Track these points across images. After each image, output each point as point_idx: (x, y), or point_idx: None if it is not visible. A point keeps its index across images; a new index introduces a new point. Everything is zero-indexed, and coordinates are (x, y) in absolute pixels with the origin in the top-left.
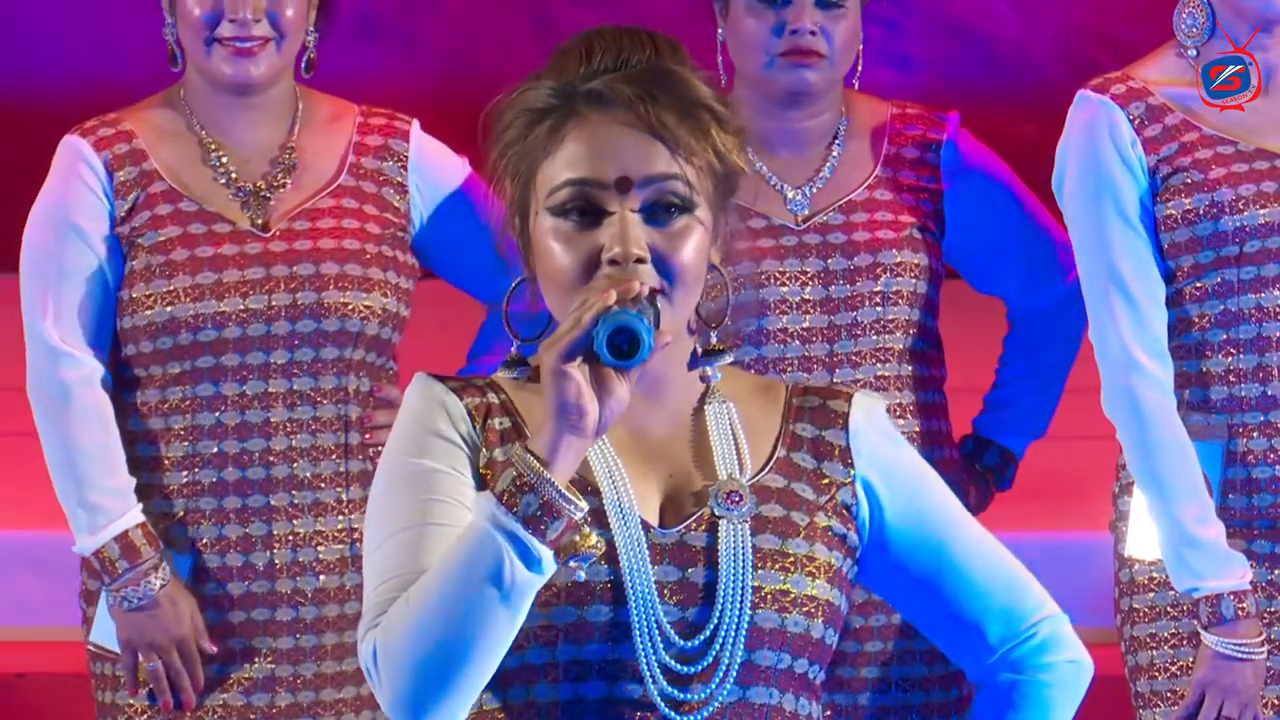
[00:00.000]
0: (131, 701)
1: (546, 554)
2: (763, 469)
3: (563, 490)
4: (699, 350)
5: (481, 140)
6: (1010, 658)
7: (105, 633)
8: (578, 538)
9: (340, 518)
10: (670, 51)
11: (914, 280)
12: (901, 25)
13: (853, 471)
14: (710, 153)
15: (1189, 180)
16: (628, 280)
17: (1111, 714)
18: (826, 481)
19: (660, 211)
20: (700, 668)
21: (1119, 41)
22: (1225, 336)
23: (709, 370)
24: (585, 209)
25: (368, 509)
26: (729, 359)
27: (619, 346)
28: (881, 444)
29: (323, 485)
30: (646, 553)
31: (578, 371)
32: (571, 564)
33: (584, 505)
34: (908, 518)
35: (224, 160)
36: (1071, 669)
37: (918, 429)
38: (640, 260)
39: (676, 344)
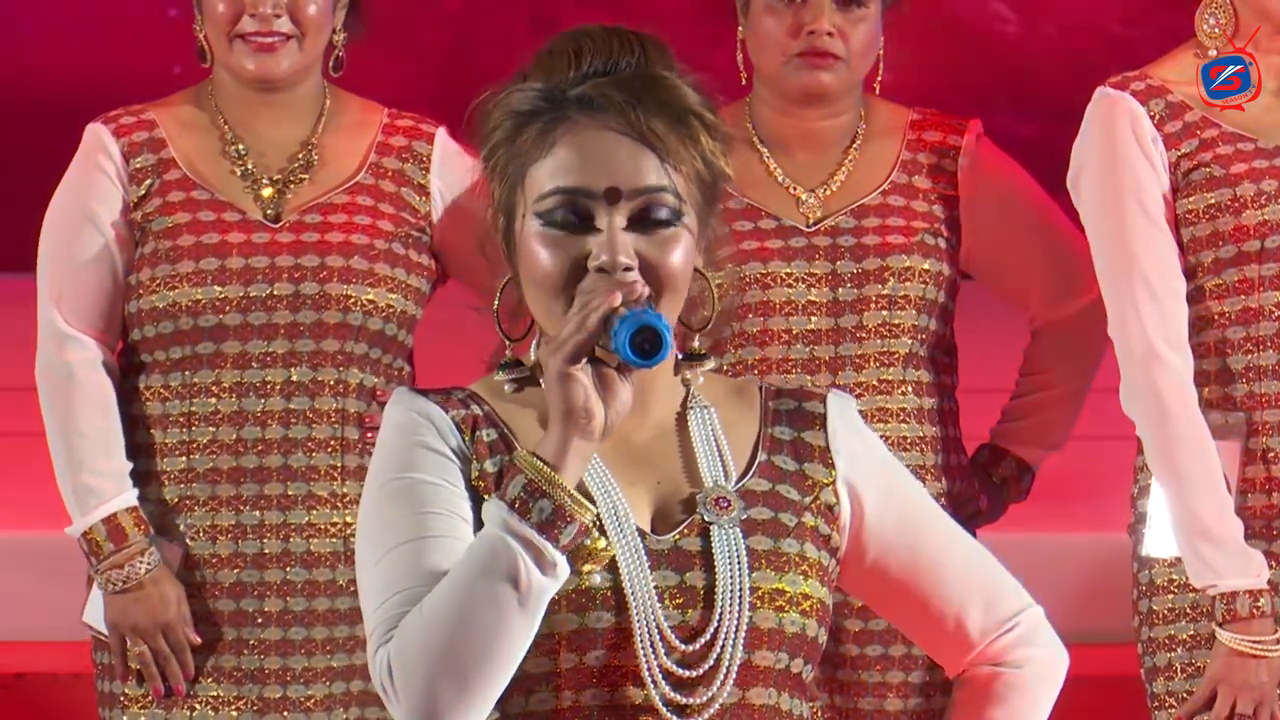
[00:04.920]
0: (127, 690)
1: (561, 559)
2: (746, 474)
3: (573, 494)
4: (679, 356)
5: (467, 137)
6: (990, 651)
7: (96, 614)
8: (588, 542)
9: (334, 512)
10: (658, 55)
11: (923, 285)
12: (901, 26)
13: (834, 473)
14: (698, 160)
15: (1211, 175)
16: (630, 283)
17: (1124, 715)
18: (810, 482)
19: (648, 220)
20: (701, 671)
21: (1119, 41)
22: (1245, 333)
23: (690, 375)
24: (574, 216)
25: (359, 527)
26: (711, 364)
27: (642, 346)
28: (858, 444)
29: (317, 478)
30: (645, 559)
31: (583, 374)
32: (585, 568)
33: (593, 509)
34: (885, 517)
35: (243, 153)
36: (1050, 660)
37: (923, 434)
38: (627, 269)
39: None
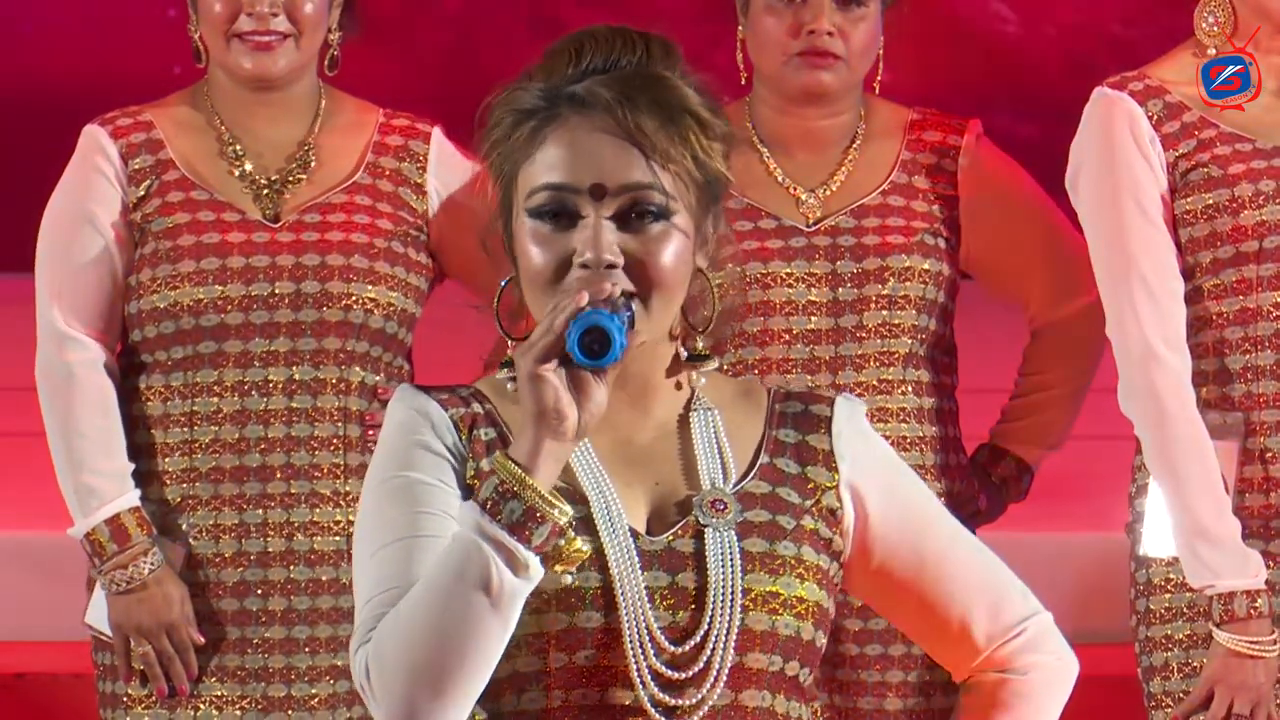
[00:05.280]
0: (130, 691)
1: (533, 560)
2: (746, 475)
3: (545, 495)
4: (682, 356)
5: (475, 136)
6: (997, 656)
7: (99, 615)
8: (563, 542)
9: (337, 510)
10: (662, 54)
11: (923, 285)
12: (901, 26)
13: (837, 476)
14: (689, 159)
15: (1208, 176)
16: (599, 282)
17: (1124, 715)
18: (812, 486)
19: (635, 218)
20: (691, 673)
21: (1119, 41)
22: (1243, 334)
23: (693, 376)
24: (560, 212)
25: (355, 524)
26: (714, 365)
27: (590, 346)
28: (864, 448)
29: (319, 476)
30: (636, 559)
31: (554, 375)
32: (558, 569)
33: (568, 510)
34: (890, 521)
35: (240, 154)
36: (1058, 667)
37: (923, 434)
38: (612, 265)
39: (662, 351)
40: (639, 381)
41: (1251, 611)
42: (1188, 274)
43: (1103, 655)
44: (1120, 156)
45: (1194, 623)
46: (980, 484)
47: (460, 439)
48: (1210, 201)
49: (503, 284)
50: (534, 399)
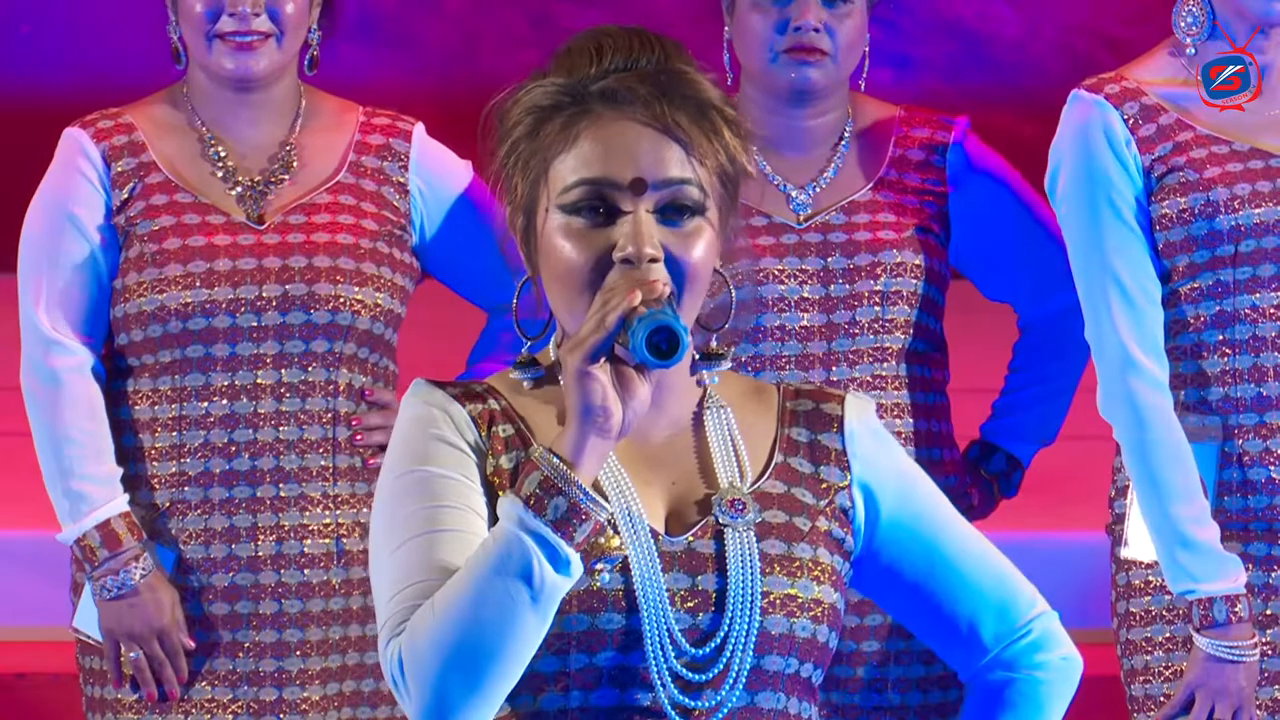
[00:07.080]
0: (119, 696)
1: (575, 556)
2: (762, 475)
3: (589, 492)
4: (696, 355)
5: (481, 139)
6: (1003, 656)
7: (88, 619)
8: (602, 539)
9: (326, 512)
10: (676, 53)
11: (914, 281)
12: (901, 25)
13: (849, 476)
14: (722, 154)
15: (1184, 179)
16: (651, 280)
17: (1108, 715)
18: (825, 485)
19: (673, 212)
20: (710, 675)
21: (1119, 41)
22: (1221, 337)
23: (708, 375)
24: (599, 208)
25: (373, 519)
26: (728, 364)
27: (658, 346)
28: (875, 447)
29: (309, 479)
30: (657, 560)
31: (602, 373)
32: (598, 566)
33: (609, 507)
34: (901, 520)
35: (223, 155)
36: (1064, 666)
37: (915, 429)
38: (654, 260)
39: None
40: (654, 381)
41: (1231, 616)
42: (1165, 277)
43: (1102, 655)
44: (1096, 160)
45: (1174, 625)
46: (971, 480)
47: (480, 435)
48: (1185, 205)
49: (520, 283)
50: (582, 396)
